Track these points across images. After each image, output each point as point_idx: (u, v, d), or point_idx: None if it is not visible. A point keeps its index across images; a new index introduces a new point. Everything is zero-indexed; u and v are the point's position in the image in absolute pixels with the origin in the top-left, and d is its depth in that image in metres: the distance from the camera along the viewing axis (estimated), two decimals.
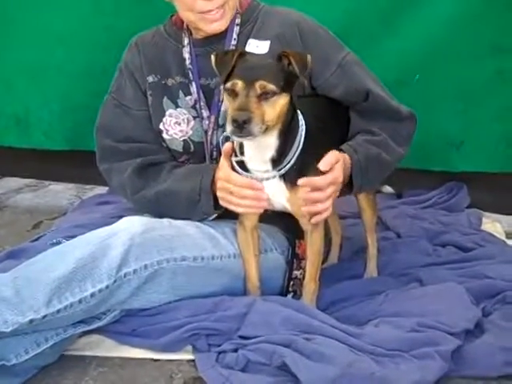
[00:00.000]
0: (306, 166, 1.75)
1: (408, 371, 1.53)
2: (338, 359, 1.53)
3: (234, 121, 1.52)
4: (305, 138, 1.74)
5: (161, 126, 2.01)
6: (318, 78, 1.96)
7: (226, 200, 1.79)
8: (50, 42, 2.91)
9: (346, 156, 1.85)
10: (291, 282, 2.01)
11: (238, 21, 1.98)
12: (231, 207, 1.79)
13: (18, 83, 3.01)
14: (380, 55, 2.76)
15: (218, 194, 1.81)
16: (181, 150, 2.01)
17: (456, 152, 2.82)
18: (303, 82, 1.86)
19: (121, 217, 1.90)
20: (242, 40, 1.98)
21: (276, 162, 1.72)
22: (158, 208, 1.91)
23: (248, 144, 1.69)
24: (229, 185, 1.75)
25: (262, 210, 1.79)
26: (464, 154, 2.81)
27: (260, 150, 1.69)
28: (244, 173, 1.75)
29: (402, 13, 2.71)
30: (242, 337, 1.70)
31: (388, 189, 2.31)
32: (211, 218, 1.96)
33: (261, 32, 1.98)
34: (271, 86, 1.57)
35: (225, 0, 1.89)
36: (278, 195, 1.75)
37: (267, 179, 1.73)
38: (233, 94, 1.58)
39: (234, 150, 1.76)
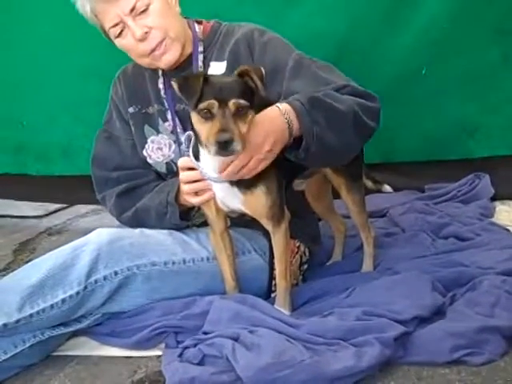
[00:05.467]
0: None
1: (342, 358, 1.57)
2: (272, 348, 1.60)
3: (218, 142, 1.60)
4: None
5: (144, 153, 2.17)
6: (273, 91, 1.99)
7: (185, 199, 1.92)
8: (88, 78, 3.19)
9: (285, 106, 1.77)
10: (273, 282, 2.09)
11: (200, 48, 2.11)
12: (190, 202, 1.91)
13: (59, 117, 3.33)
14: (386, 53, 2.82)
15: (182, 196, 1.94)
16: (165, 172, 2.18)
17: (471, 139, 2.79)
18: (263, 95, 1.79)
19: None
20: (207, 64, 2.10)
21: None
22: (138, 224, 2.07)
23: (207, 153, 1.74)
24: (182, 185, 1.90)
25: (208, 198, 1.85)
26: (479, 140, 2.78)
27: (214, 160, 1.75)
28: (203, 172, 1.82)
29: (404, 9, 2.77)
30: (204, 333, 1.82)
31: (387, 188, 2.33)
32: (198, 224, 2.10)
33: (220, 53, 2.10)
34: (244, 103, 1.64)
35: (162, 36, 2.00)
36: (232, 198, 1.84)
37: (220, 182, 1.81)
38: (208, 114, 1.65)
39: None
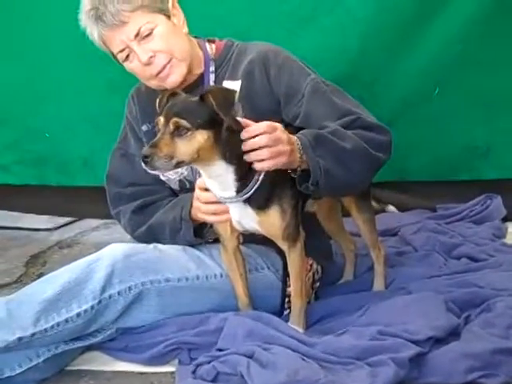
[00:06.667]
0: (275, 190, 1.81)
1: (357, 377, 1.57)
2: (286, 366, 1.60)
3: (142, 155, 1.65)
4: None
5: None
6: (288, 112, 2.03)
7: (200, 217, 1.94)
8: (111, 91, 3.16)
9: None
10: (286, 299, 2.10)
11: (212, 68, 2.12)
12: (206, 220, 1.94)
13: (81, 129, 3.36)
14: (399, 73, 2.85)
15: (196, 213, 1.95)
16: (178, 189, 2.19)
17: (484, 160, 2.81)
18: (229, 121, 1.72)
19: None
20: (219, 83, 2.10)
21: (240, 188, 1.79)
22: (152, 240, 2.08)
23: (204, 175, 1.81)
24: (198, 203, 1.91)
25: (225, 220, 1.87)
26: (491, 162, 2.80)
27: (214, 179, 1.79)
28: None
29: (417, 30, 2.79)
30: (219, 349, 1.82)
31: (391, 208, 2.35)
32: (211, 241, 2.11)
33: (234, 72, 2.11)
34: (184, 123, 1.65)
35: (167, 59, 2.02)
36: (247, 218, 1.85)
37: (231, 202, 1.83)
38: (158, 130, 1.70)
39: None
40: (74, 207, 3.53)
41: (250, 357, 1.71)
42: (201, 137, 1.67)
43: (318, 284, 2.23)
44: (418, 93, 2.80)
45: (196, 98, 1.72)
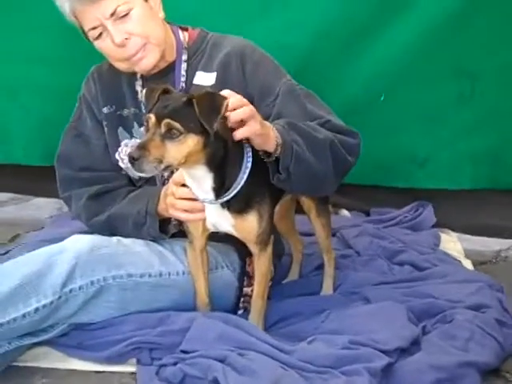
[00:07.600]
0: (254, 196, 1.79)
1: None
2: (267, 375, 1.58)
3: (128, 156, 1.57)
4: (252, 169, 1.76)
5: (116, 156, 2.08)
6: (260, 111, 1.93)
7: (172, 213, 1.87)
8: (30, 61, 3.00)
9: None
10: (241, 299, 2.08)
11: (184, 57, 2.05)
12: (178, 217, 1.88)
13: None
14: (347, 78, 2.88)
15: (168, 209, 1.88)
16: (137, 178, 2.09)
17: (420, 170, 2.92)
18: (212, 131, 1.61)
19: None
20: (191, 73, 2.05)
21: (219, 191, 1.75)
22: (110, 231, 1.99)
23: (184, 174, 1.75)
24: (173, 199, 1.84)
25: (200, 218, 1.82)
26: (427, 172, 2.92)
27: (195, 180, 1.74)
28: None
29: (367, 37, 2.83)
30: (183, 351, 1.76)
31: (345, 212, 2.39)
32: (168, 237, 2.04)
33: (208, 64, 2.05)
34: (176, 126, 1.58)
35: (142, 43, 1.95)
36: (223, 221, 1.81)
37: (210, 203, 1.79)
38: (147, 127, 1.62)
39: None
40: None
41: (222, 361, 1.67)
42: (191, 141, 1.61)
43: (270, 283, 2.23)
44: (364, 97, 2.84)
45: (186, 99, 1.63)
